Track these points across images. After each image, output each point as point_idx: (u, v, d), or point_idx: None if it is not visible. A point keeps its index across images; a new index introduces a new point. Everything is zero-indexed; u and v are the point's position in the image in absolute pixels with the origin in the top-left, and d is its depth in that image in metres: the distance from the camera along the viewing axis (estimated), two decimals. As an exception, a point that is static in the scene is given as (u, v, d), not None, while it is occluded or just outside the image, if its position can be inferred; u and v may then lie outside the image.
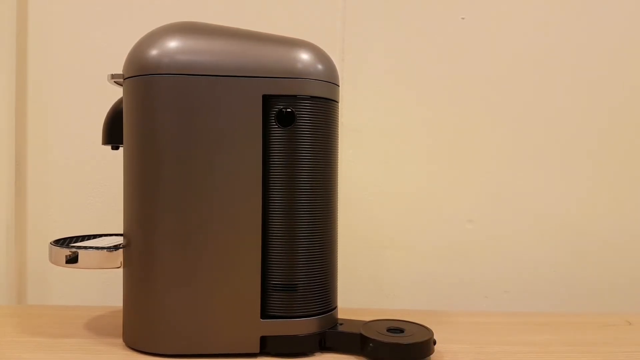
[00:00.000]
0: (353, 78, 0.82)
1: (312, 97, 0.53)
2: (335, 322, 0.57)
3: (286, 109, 0.53)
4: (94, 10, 0.81)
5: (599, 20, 0.85)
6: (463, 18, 0.84)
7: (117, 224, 0.58)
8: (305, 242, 0.54)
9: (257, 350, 0.53)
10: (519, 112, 0.84)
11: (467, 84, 0.83)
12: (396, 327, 0.55)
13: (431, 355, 0.53)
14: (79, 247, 0.57)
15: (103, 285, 0.81)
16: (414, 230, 0.84)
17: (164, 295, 0.52)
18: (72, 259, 0.57)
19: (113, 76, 0.56)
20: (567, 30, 0.85)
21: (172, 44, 0.52)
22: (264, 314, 0.53)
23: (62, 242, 0.61)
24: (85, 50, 0.81)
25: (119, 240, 0.61)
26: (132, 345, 0.55)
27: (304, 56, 0.54)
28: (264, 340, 0.53)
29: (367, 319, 0.58)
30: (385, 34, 0.83)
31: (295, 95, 0.53)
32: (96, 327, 0.63)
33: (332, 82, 0.55)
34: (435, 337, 0.54)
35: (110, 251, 0.57)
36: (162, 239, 0.52)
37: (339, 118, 0.58)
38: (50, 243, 0.60)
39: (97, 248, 0.57)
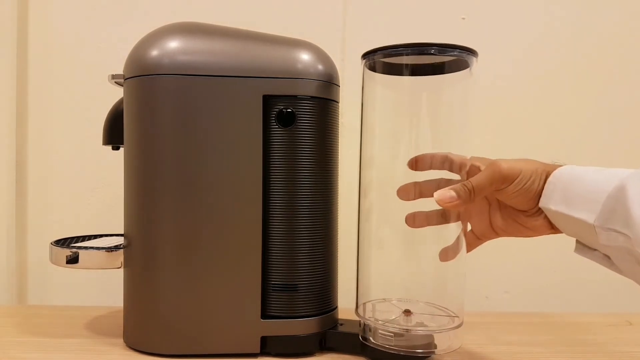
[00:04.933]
0: (353, 78, 0.82)
1: (312, 97, 0.53)
2: (335, 322, 0.57)
3: (286, 109, 0.53)
4: (95, 11, 0.81)
5: (600, 20, 0.85)
6: (463, 18, 0.84)
7: (117, 224, 0.58)
8: (305, 242, 0.54)
9: (258, 351, 0.53)
10: (518, 111, 0.84)
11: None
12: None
13: (431, 356, 0.53)
14: (80, 248, 0.57)
15: (103, 285, 0.81)
16: (414, 230, 0.84)
17: (164, 295, 0.52)
18: (73, 259, 0.57)
19: (113, 76, 0.56)
20: (568, 30, 0.85)
21: (173, 44, 0.52)
22: (265, 314, 0.53)
23: (62, 243, 0.62)
24: (85, 51, 0.81)
25: (119, 240, 0.61)
26: (133, 345, 0.55)
27: (304, 56, 0.54)
28: (264, 340, 0.53)
29: (367, 319, 0.58)
30: (386, 34, 0.83)
31: (295, 96, 0.53)
32: (96, 327, 0.63)
33: (332, 82, 0.55)
34: (435, 337, 0.54)
35: (111, 251, 0.57)
36: (162, 239, 0.52)
37: (339, 118, 0.57)
38: (51, 243, 0.60)
39: (97, 248, 0.57)
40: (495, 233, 0.53)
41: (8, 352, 0.54)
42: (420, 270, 0.55)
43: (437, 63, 0.52)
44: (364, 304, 0.55)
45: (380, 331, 0.52)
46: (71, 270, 0.58)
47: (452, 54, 0.50)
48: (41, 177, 0.82)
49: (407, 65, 0.52)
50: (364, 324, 0.53)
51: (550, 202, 0.46)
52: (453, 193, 0.47)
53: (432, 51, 0.49)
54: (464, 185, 0.47)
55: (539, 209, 0.48)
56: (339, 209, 0.58)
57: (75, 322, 0.64)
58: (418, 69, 0.52)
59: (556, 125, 0.85)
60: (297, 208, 0.53)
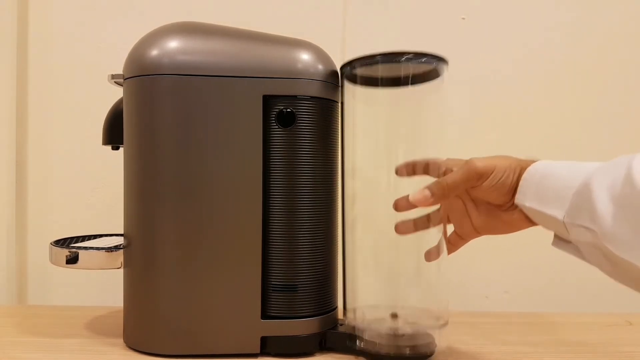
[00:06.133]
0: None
1: (312, 97, 0.53)
2: (335, 322, 0.57)
3: (286, 109, 0.53)
4: (95, 11, 0.81)
5: (600, 20, 0.85)
6: (463, 18, 0.84)
7: (117, 224, 0.58)
8: (305, 242, 0.54)
9: (258, 351, 0.53)
10: (519, 111, 0.84)
11: (466, 84, 0.83)
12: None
13: (431, 356, 0.53)
14: (79, 248, 0.57)
15: (103, 285, 0.81)
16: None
17: (164, 295, 0.52)
18: (72, 260, 0.57)
19: (113, 76, 0.56)
20: (567, 29, 0.85)
21: (173, 44, 0.52)
22: (265, 315, 0.53)
23: (62, 243, 0.61)
24: (85, 51, 0.81)
25: (119, 240, 0.61)
26: (133, 345, 0.55)
27: (304, 56, 0.54)
28: (264, 340, 0.53)
29: (367, 319, 0.58)
30: (386, 34, 0.83)
31: (295, 96, 0.53)
32: (96, 327, 0.63)
33: (332, 82, 0.55)
34: (435, 337, 0.54)
35: (111, 251, 0.57)
36: (162, 239, 0.52)
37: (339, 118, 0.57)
38: (51, 243, 0.60)
39: (97, 248, 0.57)
40: (477, 232, 0.54)
41: (8, 352, 0.54)
42: (404, 276, 0.56)
43: (412, 74, 0.53)
44: (354, 309, 0.55)
45: (368, 334, 0.53)
46: (71, 270, 0.58)
47: (420, 61, 0.52)
48: (41, 177, 0.82)
49: (381, 77, 0.54)
50: (354, 327, 0.54)
51: (525, 198, 0.48)
52: (427, 192, 0.49)
53: (403, 59, 0.51)
54: (439, 182, 0.50)
55: (514, 203, 0.50)
56: (338, 209, 0.58)
57: (75, 322, 0.64)
58: (393, 80, 0.54)
59: (556, 125, 0.85)
60: (297, 208, 0.53)
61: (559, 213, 0.45)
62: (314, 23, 0.82)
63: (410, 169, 0.54)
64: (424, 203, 0.49)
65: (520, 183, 0.48)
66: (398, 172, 0.54)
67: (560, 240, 0.48)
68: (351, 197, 0.56)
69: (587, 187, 0.43)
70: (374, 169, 0.56)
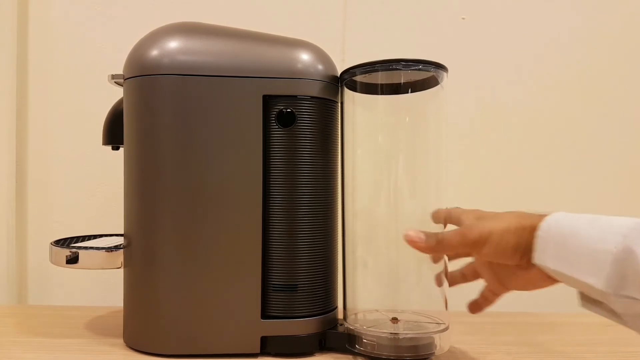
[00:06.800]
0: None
1: (312, 97, 0.53)
2: (335, 322, 0.57)
3: (286, 109, 0.53)
4: (95, 11, 0.81)
5: (603, 20, 0.85)
6: (463, 18, 0.84)
7: (117, 224, 0.58)
8: (305, 242, 0.54)
9: (258, 351, 0.53)
10: (520, 112, 0.84)
11: (466, 84, 0.83)
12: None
13: (431, 356, 0.53)
14: (80, 248, 0.57)
15: (103, 285, 0.81)
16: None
17: (164, 295, 0.52)
18: (73, 259, 0.57)
19: (113, 76, 0.56)
20: (569, 29, 0.85)
21: (173, 44, 0.52)
22: (264, 314, 0.53)
23: (62, 243, 0.62)
24: (85, 51, 0.81)
25: (119, 240, 0.61)
26: (133, 345, 0.55)
27: (304, 56, 0.54)
28: (264, 340, 0.53)
29: (367, 319, 0.58)
30: (386, 34, 0.83)
31: (295, 96, 0.53)
32: (96, 327, 0.63)
33: (332, 82, 0.55)
34: (436, 340, 0.54)
35: (111, 251, 0.57)
36: (162, 239, 0.52)
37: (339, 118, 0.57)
38: (51, 243, 0.60)
39: (97, 248, 0.57)
40: (505, 287, 0.52)
41: (8, 352, 0.54)
42: (404, 280, 0.56)
43: (411, 81, 0.53)
44: (354, 312, 0.56)
45: (368, 337, 0.52)
46: (71, 270, 0.58)
47: (417, 68, 0.52)
48: (41, 177, 0.82)
49: (381, 84, 0.54)
50: (354, 330, 0.54)
51: (547, 259, 0.44)
52: (422, 236, 0.48)
53: (400, 66, 0.51)
54: (435, 235, 0.48)
55: (527, 261, 0.46)
56: (338, 209, 0.58)
57: (75, 322, 0.64)
58: (392, 87, 0.54)
59: (559, 126, 0.85)
60: (297, 208, 0.53)
61: (596, 282, 0.41)
62: (314, 23, 0.82)
63: (441, 217, 0.53)
64: (415, 245, 0.47)
65: (536, 241, 0.45)
66: (432, 217, 0.54)
67: (590, 301, 0.45)
68: (351, 202, 0.56)
69: (630, 254, 0.38)
70: (373, 175, 0.56)
